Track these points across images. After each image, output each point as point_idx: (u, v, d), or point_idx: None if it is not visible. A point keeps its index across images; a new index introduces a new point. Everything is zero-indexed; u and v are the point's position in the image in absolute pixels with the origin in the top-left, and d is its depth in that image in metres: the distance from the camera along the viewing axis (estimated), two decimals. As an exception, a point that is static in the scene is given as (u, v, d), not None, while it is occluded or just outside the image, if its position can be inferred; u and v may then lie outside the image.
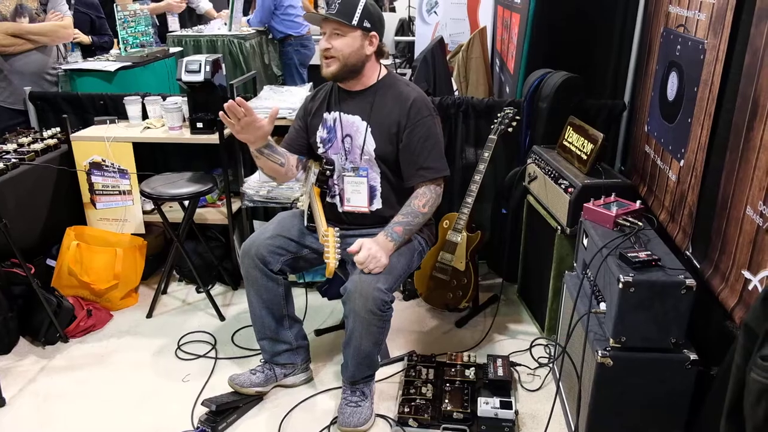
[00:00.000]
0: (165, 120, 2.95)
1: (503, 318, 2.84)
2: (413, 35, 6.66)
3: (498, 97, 3.88)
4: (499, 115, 2.69)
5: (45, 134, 3.04)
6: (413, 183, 2.20)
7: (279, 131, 2.53)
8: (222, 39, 5.01)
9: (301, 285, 2.80)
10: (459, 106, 2.91)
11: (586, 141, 2.43)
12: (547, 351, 2.60)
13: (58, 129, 3.09)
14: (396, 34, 7.53)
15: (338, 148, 2.25)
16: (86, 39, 4.05)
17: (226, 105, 1.98)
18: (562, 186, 2.40)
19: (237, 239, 3.09)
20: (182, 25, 5.49)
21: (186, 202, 2.84)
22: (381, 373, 2.39)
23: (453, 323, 2.82)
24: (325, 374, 2.47)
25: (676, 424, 1.89)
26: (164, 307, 2.98)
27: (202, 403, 2.24)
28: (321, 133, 2.28)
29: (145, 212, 3.05)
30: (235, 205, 3.04)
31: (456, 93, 3.91)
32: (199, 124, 2.88)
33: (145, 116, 3.10)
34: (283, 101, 2.92)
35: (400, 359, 2.52)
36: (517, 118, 2.68)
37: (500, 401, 2.16)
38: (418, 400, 2.22)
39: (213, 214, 3.11)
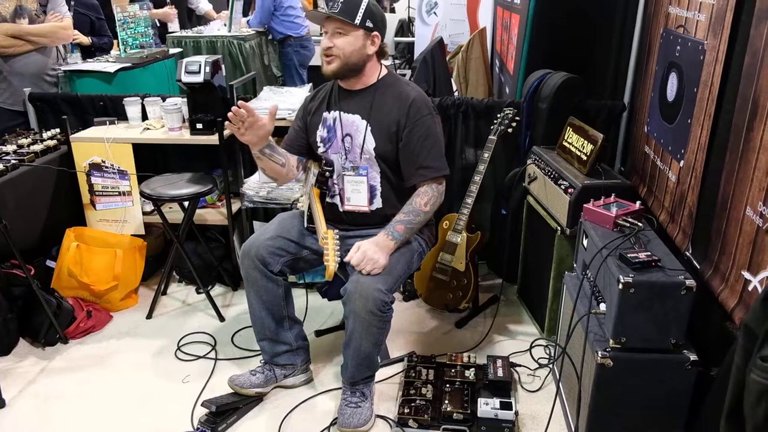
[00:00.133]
0: (165, 121, 2.95)
1: (503, 319, 2.84)
2: (413, 36, 6.67)
3: (498, 97, 3.87)
4: (498, 115, 2.69)
5: (45, 135, 3.04)
6: (413, 182, 2.20)
7: (279, 132, 2.53)
8: (222, 40, 5.01)
9: (301, 286, 2.80)
10: (459, 106, 2.91)
11: (585, 141, 2.43)
12: (547, 352, 2.60)
13: (58, 130, 3.09)
14: (396, 35, 7.53)
15: (338, 148, 2.25)
16: (86, 40, 4.05)
17: (230, 114, 1.99)
18: (562, 187, 2.40)
19: (237, 240, 3.09)
20: (182, 26, 5.50)
21: (186, 203, 2.84)
22: (381, 373, 2.39)
23: (453, 324, 2.82)
24: (325, 375, 2.47)
25: (676, 425, 1.89)
26: (164, 308, 2.98)
27: (202, 404, 2.24)
28: (321, 132, 2.28)
29: (144, 213, 3.05)
30: (235, 206, 3.04)
31: (456, 94, 3.91)
32: (199, 125, 2.88)
33: (144, 117, 3.10)
34: (282, 102, 2.92)
35: (400, 360, 2.52)
36: (517, 118, 2.68)
37: (500, 402, 2.16)
38: (418, 401, 2.22)
39: (213, 215, 3.11)
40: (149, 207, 3.03)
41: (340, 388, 2.28)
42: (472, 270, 2.70)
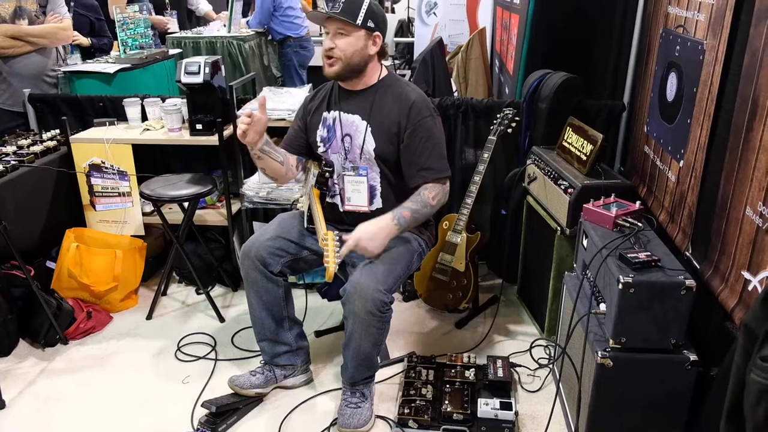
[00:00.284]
0: (164, 122, 2.95)
1: (503, 319, 2.84)
2: (412, 36, 6.67)
3: (497, 97, 3.87)
4: (498, 115, 2.69)
5: (44, 136, 3.05)
6: (415, 183, 2.19)
7: (279, 132, 2.53)
8: (221, 40, 5.01)
9: (301, 286, 2.80)
10: (458, 106, 2.91)
11: (585, 142, 2.43)
12: (547, 352, 2.60)
13: (58, 131, 3.09)
14: (395, 35, 7.53)
15: (338, 148, 2.25)
16: (85, 41, 4.05)
17: (242, 131, 2.03)
18: (562, 187, 2.40)
19: (237, 241, 3.09)
20: (182, 27, 5.50)
21: (185, 204, 2.84)
22: (381, 374, 2.39)
23: (453, 324, 2.82)
24: (325, 375, 2.47)
25: (676, 425, 1.89)
26: (164, 308, 2.98)
27: (202, 405, 2.24)
28: (321, 132, 2.28)
29: (144, 214, 3.04)
30: (235, 207, 3.04)
31: (455, 94, 3.91)
32: (199, 126, 2.88)
33: (144, 118, 3.10)
34: (282, 102, 2.92)
35: (399, 360, 2.52)
36: (517, 118, 2.68)
37: (500, 402, 2.16)
38: (418, 401, 2.22)
39: (213, 216, 3.10)
40: (149, 208, 3.03)
41: (340, 389, 2.28)
42: (471, 270, 2.70)
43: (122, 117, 3.11)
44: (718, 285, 1.79)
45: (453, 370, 2.36)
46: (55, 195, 2.92)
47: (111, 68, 3.58)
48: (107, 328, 2.82)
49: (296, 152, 2.32)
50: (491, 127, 2.67)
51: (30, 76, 3.32)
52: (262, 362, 2.39)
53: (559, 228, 2.44)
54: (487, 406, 2.14)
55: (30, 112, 3.26)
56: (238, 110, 2.91)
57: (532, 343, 2.66)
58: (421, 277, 2.82)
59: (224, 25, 5.32)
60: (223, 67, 2.98)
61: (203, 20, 5.94)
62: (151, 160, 3.16)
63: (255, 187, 2.90)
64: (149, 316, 2.89)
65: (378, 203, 2.25)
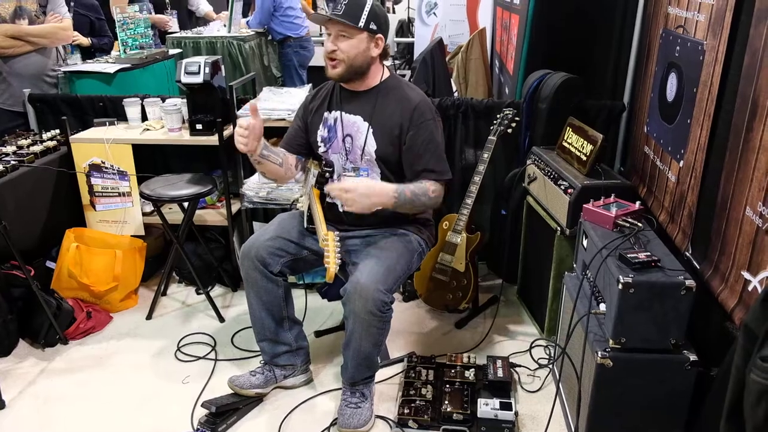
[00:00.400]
0: (164, 122, 2.95)
1: (503, 319, 2.84)
2: (412, 36, 6.67)
3: (497, 98, 3.87)
4: (498, 116, 2.69)
5: (44, 136, 3.05)
6: None
7: (279, 132, 2.53)
8: (221, 40, 5.01)
9: (301, 286, 2.80)
10: (458, 107, 2.91)
11: (585, 142, 2.43)
12: (547, 352, 2.60)
13: (58, 131, 3.09)
14: (395, 36, 7.53)
15: (338, 148, 2.25)
16: (85, 41, 4.05)
17: (243, 132, 2.02)
18: (562, 187, 2.40)
19: (237, 241, 3.09)
20: (182, 27, 5.50)
21: (185, 204, 2.84)
22: (381, 374, 2.39)
23: (453, 324, 2.82)
24: (325, 375, 2.47)
25: (676, 425, 1.89)
26: (164, 308, 2.98)
27: (201, 405, 2.24)
28: (321, 132, 2.27)
29: (144, 214, 3.04)
30: (235, 207, 3.04)
31: (455, 94, 3.91)
32: (199, 126, 2.88)
33: (144, 118, 3.10)
34: (282, 102, 2.92)
35: (399, 360, 2.52)
36: (517, 119, 2.68)
37: (500, 402, 2.16)
38: (417, 402, 2.22)
39: (212, 216, 3.10)
40: (149, 208, 3.03)
41: (340, 389, 2.28)
42: (471, 270, 2.70)
43: (122, 117, 3.11)
44: (718, 285, 1.79)
45: (453, 370, 2.36)
46: (55, 195, 2.92)
47: (111, 68, 3.58)
48: (107, 328, 2.82)
49: (295, 152, 2.32)
50: (491, 128, 2.67)
51: (30, 76, 3.32)
52: (262, 362, 2.39)
53: (559, 228, 2.44)
54: (487, 407, 2.14)
55: (30, 112, 3.26)
56: (238, 110, 2.91)
57: (532, 343, 2.66)
58: (421, 277, 2.82)
59: (224, 25, 5.32)
60: (223, 67, 2.98)
61: (203, 20, 5.94)
62: (151, 160, 3.16)
63: (255, 187, 2.90)
64: (149, 316, 2.89)
65: (378, 203, 2.25)
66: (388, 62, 2.27)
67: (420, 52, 4.00)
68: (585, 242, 2.12)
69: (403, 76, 2.48)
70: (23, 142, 2.92)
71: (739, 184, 1.71)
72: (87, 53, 4.06)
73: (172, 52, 4.45)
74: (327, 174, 2.26)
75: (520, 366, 2.51)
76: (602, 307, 1.92)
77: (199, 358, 2.60)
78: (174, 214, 3.00)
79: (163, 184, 2.78)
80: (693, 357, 1.80)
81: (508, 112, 2.69)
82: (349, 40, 2.08)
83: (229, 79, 3.20)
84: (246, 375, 2.33)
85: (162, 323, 2.86)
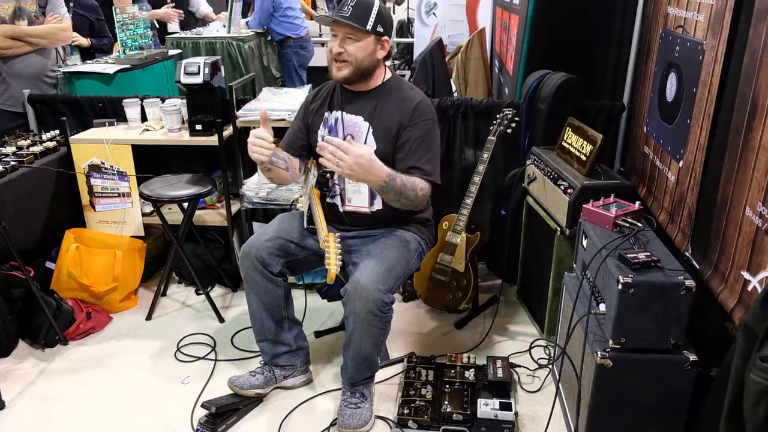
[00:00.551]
0: (164, 122, 2.95)
1: (503, 319, 2.84)
2: (412, 37, 6.67)
3: (497, 98, 3.87)
4: (498, 116, 2.69)
5: (44, 137, 3.05)
6: None
7: (278, 133, 2.53)
8: (221, 41, 5.01)
9: (301, 287, 2.80)
10: (458, 107, 2.91)
11: (585, 142, 2.43)
12: (547, 352, 2.60)
13: (57, 131, 3.09)
14: (395, 36, 7.53)
15: None
16: (85, 42, 4.05)
17: (258, 141, 2.01)
18: (562, 187, 2.40)
19: (236, 241, 3.08)
20: (183, 27, 5.49)
21: (185, 204, 2.84)
22: (381, 374, 2.39)
23: (452, 324, 2.82)
24: (325, 376, 2.47)
25: (676, 425, 1.89)
26: (164, 309, 2.98)
27: (201, 405, 2.24)
28: (322, 132, 2.27)
29: (144, 214, 3.04)
30: (235, 207, 3.04)
31: (455, 94, 3.91)
32: (198, 126, 2.88)
33: (144, 118, 3.10)
34: (282, 103, 2.92)
35: (399, 361, 2.52)
36: (516, 119, 2.68)
37: (500, 402, 2.16)
38: (417, 402, 2.22)
39: (212, 216, 3.11)
40: (149, 208, 3.03)
41: (339, 389, 2.28)
42: (471, 270, 2.70)
43: (122, 117, 3.11)
44: (717, 285, 1.79)
45: (453, 371, 2.36)
46: (54, 196, 2.92)
47: (110, 69, 3.57)
48: (107, 329, 2.82)
49: (297, 154, 2.31)
50: (491, 128, 2.67)
51: (29, 77, 3.32)
52: (262, 363, 2.38)
53: (558, 228, 2.44)
54: (487, 407, 2.14)
55: (29, 112, 3.26)
56: (237, 110, 2.91)
57: (532, 343, 2.65)
58: (421, 278, 2.82)
59: (224, 26, 5.32)
60: (222, 67, 2.98)
61: (202, 21, 5.94)
62: (151, 160, 3.16)
63: (254, 187, 2.90)
64: (149, 317, 2.89)
65: (378, 204, 2.25)
66: (387, 62, 2.27)
67: (419, 52, 4.00)
68: (585, 242, 2.12)
69: (403, 76, 2.47)
70: (23, 142, 2.92)
71: (739, 184, 1.71)
72: (86, 54, 4.06)
73: (171, 52, 4.45)
74: (328, 174, 2.26)
75: (519, 366, 2.51)
76: (602, 307, 1.92)
77: (199, 358, 2.60)
78: (174, 215, 3.00)
79: (163, 185, 2.78)
80: (693, 357, 1.80)
81: (507, 112, 2.69)
82: (357, 43, 2.08)
83: (228, 79, 3.19)
84: (246, 375, 2.33)
85: (162, 324, 2.86)
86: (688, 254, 2.01)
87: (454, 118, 2.93)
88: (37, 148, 2.87)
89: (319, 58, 5.87)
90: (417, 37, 5.41)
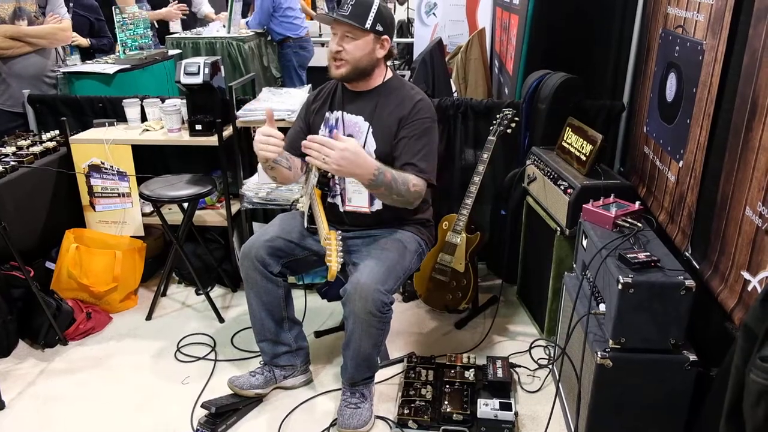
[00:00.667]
0: (164, 122, 2.95)
1: (503, 319, 2.84)
2: (412, 37, 6.67)
3: (497, 98, 3.87)
4: (498, 116, 2.69)
5: (44, 137, 3.05)
6: None
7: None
8: (221, 41, 5.01)
9: (300, 287, 2.80)
10: (458, 107, 2.91)
11: (585, 142, 2.43)
12: (547, 352, 2.60)
13: (57, 132, 3.09)
14: (395, 36, 7.52)
15: None
16: (84, 42, 4.05)
17: (267, 138, 2.00)
18: (561, 187, 2.40)
19: (236, 241, 3.08)
20: (185, 27, 5.48)
21: (185, 204, 2.84)
22: (380, 374, 2.39)
23: (452, 325, 2.82)
24: (325, 376, 2.47)
25: (676, 425, 1.89)
26: (163, 309, 2.98)
27: (201, 405, 2.24)
28: (322, 131, 2.27)
29: (144, 214, 3.04)
30: (235, 207, 3.04)
31: (455, 94, 3.91)
32: (198, 126, 2.88)
33: (144, 119, 3.10)
34: (282, 103, 2.91)
35: (399, 361, 2.52)
36: (516, 119, 2.68)
37: (500, 402, 2.16)
38: (417, 402, 2.22)
39: (212, 216, 3.11)
40: (149, 208, 3.03)
41: (339, 389, 2.28)
42: (471, 271, 2.70)
43: (122, 118, 3.11)
44: (717, 285, 1.79)
45: (453, 371, 2.36)
46: (54, 196, 2.92)
47: (110, 69, 3.58)
48: (107, 329, 2.82)
49: (298, 154, 2.29)
50: (491, 128, 2.67)
51: (29, 77, 3.32)
52: (262, 363, 2.38)
53: (558, 228, 2.44)
54: (487, 407, 2.14)
55: (29, 112, 3.26)
56: (237, 111, 2.91)
57: (532, 343, 2.65)
58: (421, 278, 2.82)
59: (224, 26, 5.32)
60: (222, 67, 2.98)
61: (202, 21, 5.94)
62: (151, 160, 3.16)
63: (254, 187, 2.90)
64: (149, 317, 2.89)
65: (378, 204, 2.25)
66: (388, 62, 2.27)
67: (419, 52, 4.00)
68: (584, 242, 2.12)
69: (403, 76, 2.47)
70: (23, 142, 2.92)
71: (739, 184, 1.71)
72: (86, 54, 4.06)
73: (171, 52, 4.45)
74: (329, 174, 2.26)
75: (519, 366, 2.51)
76: (602, 307, 1.92)
77: (199, 358, 2.60)
78: (174, 215, 3.00)
79: (163, 185, 2.78)
80: (693, 357, 1.80)
81: (507, 112, 2.69)
82: (355, 42, 2.08)
83: (228, 79, 3.19)
84: (246, 375, 2.33)
85: (162, 324, 2.86)
86: (688, 254, 2.01)
87: (454, 118, 2.93)
88: (37, 149, 2.87)
89: (319, 58, 5.87)
90: (417, 37, 5.41)
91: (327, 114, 2.27)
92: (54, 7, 3.35)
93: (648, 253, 1.84)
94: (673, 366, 1.81)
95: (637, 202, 2.12)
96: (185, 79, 2.80)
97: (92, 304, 2.85)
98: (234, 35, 5.08)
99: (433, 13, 5.08)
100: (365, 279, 2.02)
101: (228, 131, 2.92)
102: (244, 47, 5.03)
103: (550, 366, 2.49)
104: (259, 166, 2.64)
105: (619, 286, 1.74)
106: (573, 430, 2.05)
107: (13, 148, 2.85)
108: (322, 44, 6.37)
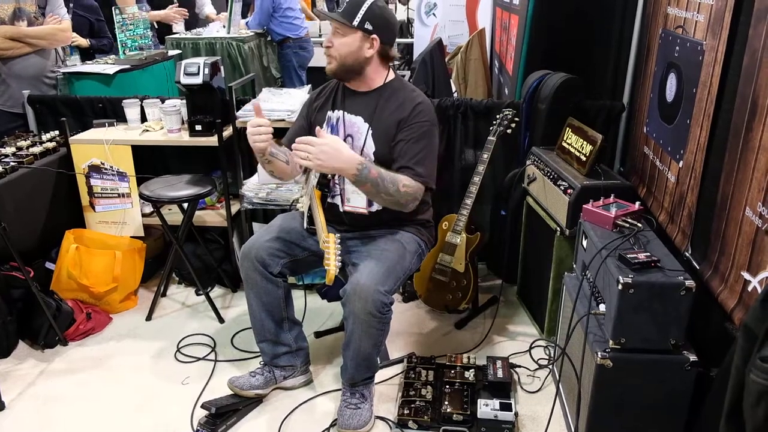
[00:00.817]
0: (164, 123, 2.95)
1: (503, 319, 2.84)
2: (412, 37, 6.67)
3: (497, 98, 3.87)
4: (498, 116, 2.69)
5: (44, 137, 3.05)
6: None
7: (279, 133, 2.52)
8: (221, 41, 5.01)
9: (300, 287, 2.80)
10: (458, 107, 2.91)
11: (585, 142, 2.43)
12: (547, 352, 2.60)
13: (57, 132, 3.09)
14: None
15: None
16: (84, 42, 4.05)
17: (257, 129, 2.04)
18: (561, 187, 2.40)
19: (236, 241, 3.08)
20: (188, 28, 5.48)
21: (185, 205, 2.84)
22: (381, 375, 2.39)
23: (452, 325, 2.82)
24: (325, 376, 2.47)
25: (676, 426, 1.89)
26: (163, 309, 2.98)
27: (201, 406, 2.24)
28: (325, 130, 2.26)
29: (144, 215, 3.04)
30: (234, 208, 3.04)
31: (455, 95, 3.91)
32: (198, 127, 2.88)
33: (143, 119, 3.10)
34: (281, 103, 2.92)
35: (399, 361, 2.52)
36: (516, 119, 2.68)
37: (500, 403, 2.16)
38: (417, 402, 2.22)
39: (212, 217, 3.11)
40: (148, 209, 3.03)
41: (339, 390, 2.28)
42: (471, 271, 2.70)
43: (122, 118, 3.11)
44: (717, 285, 1.79)
45: (453, 371, 2.36)
46: (54, 196, 2.92)
47: (110, 69, 3.57)
48: (107, 330, 2.82)
49: None
50: (491, 128, 2.67)
51: (29, 78, 3.32)
52: (262, 363, 2.38)
53: (558, 228, 2.44)
54: (487, 407, 2.14)
55: (29, 113, 3.26)
56: (237, 111, 2.91)
57: (532, 343, 2.65)
58: (421, 278, 2.82)
59: (223, 26, 5.32)
60: (222, 68, 2.98)
61: (203, 22, 5.94)
62: (151, 161, 3.16)
63: (254, 188, 2.90)
64: (149, 317, 2.89)
65: (377, 205, 2.24)
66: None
67: (419, 52, 4.00)
68: (584, 242, 2.12)
69: (403, 76, 2.46)
70: (22, 143, 2.92)
71: (739, 185, 1.71)
72: (86, 54, 4.06)
73: (171, 53, 4.45)
74: (328, 175, 2.26)
75: (519, 366, 2.51)
76: (602, 307, 1.92)
77: (199, 359, 2.60)
78: (173, 215, 3.00)
79: (163, 185, 2.78)
80: (693, 357, 1.80)
81: (507, 112, 2.69)
82: (342, 38, 2.10)
83: (228, 79, 3.19)
84: (246, 376, 2.33)
85: (162, 324, 2.86)
86: (688, 254, 2.01)
87: (454, 119, 2.93)
88: (36, 149, 2.87)
89: (318, 58, 5.86)
90: (417, 38, 5.41)
91: (329, 113, 2.27)
92: (54, 7, 3.35)
93: (648, 254, 1.84)
94: (673, 366, 1.81)
95: (637, 203, 2.12)
96: (185, 80, 2.80)
97: (92, 304, 2.85)
98: (234, 35, 5.08)
99: (433, 14, 5.08)
100: (365, 279, 2.02)
101: (228, 131, 2.92)
102: (244, 47, 5.03)
103: (550, 366, 2.49)
104: (259, 166, 2.64)
105: (619, 287, 1.74)
106: (573, 430, 2.05)
107: (13, 149, 2.85)
108: (322, 45, 6.37)
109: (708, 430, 1.76)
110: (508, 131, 2.66)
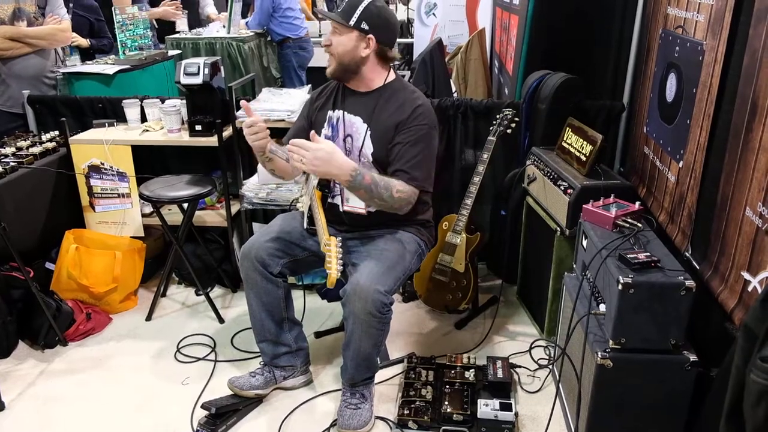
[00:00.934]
0: (164, 123, 2.95)
1: (503, 319, 2.84)
2: (412, 37, 6.67)
3: (497, 98, 3.87)
4: (498, 116, 2.69)
5: (44, 137, 3.05)
6: None
7: (279, 133, 2.53)
8: (220, 41, 5.01)
9: (300, 287, 2.80)
10: (458, 107, 2.91)
11: (585, 142, 2.43)
12: (547, 352, 2.60)
13: (57, 132, 3.09)
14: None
15: (340, 147, 2.23)
16: (84, 42, 4.05)
17: (250, 127, 2.07)
18: (561, 187, 2.40)
19: (236, 241, 3.08)
20: (191, 27, 5.47)
21: (185, 205, 2.84)
22: (381, 375, 2.39)
23: (452, 325, 2.82)
24: (325, 376, 2.47)
25: (676, 426, 1.89)
26: (163, 309, 2.98)
27: (201, 406, 2.24)
28: (326, 131, 2.26)
29: (144, 215, 3.04)
30: (234, 208, 3.04)
31: (455, 95, 3.91)
32: (198, 127, 2.88)
33: (143, 119, 3.10)
34: (281, 103, 2.92)
35: (399, 361, 2.52)
36: (516, 119, 2.68)
37: (500, 403, 2.16)
38: (417, 402, 2.22)
39: (212, 217, 3.11)
40: (148, 209, 3.03)
41: (339, 390, 2.28)
42: (471, 271, 2.70)
43: (121, 118, 3.11)
44: (717, 285, 1.79)
45: (453, 371, 2.36)
46: (54, 196, 2.92)
47: (110, 69, 3.57)
48: (107, 330, 2.82)
49: None
50: (491, 128, 2.67)
51: (29, 78, 3.32)
52: (262, 363, 2.38)
53: (558, 229, 2.44)
54: (487, 407, 2.14)
55: (29, 113, 3.26)
56: (237, 111, 2.91)
57: (532, 343, 2.65)
58: (421, 278, 2.82)
59: (223, 26, 5.32)
60: (222, 68, 2.98)
61: (204, 22, 5.94)
62: (151, 161, 3.16)
63: (254, 188, 2.90)
64: (149, 318, 2.89)
65: (376, 205, 2.24)
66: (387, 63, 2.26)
67: (419, 52, 4.00)
68: (584, 243, 2.12)
69: (403, 76, 2.46)
70: (22, 143, 2.92)
71: (739, 185, 1.71)
72: (86, 55, 4.06)
73: (171, 53, 4.45)
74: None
75: (520, 366, 2.51)
76: (602, 307, 1.92)
77: (199, 359, 2.60)
78: (173, 215, 3.00)
79: (163, 185, 2.78)
80: (693, 357, 1.80)
81: (507, 112, 2.69)
82: (339, 37, 2.11)
83: (228, 80, 3.19)
84: (246, 376, 2.33)
85: (161, 324, 2.86)
86: (688, 254, 2.01)
87: (454, 119, 2.93)
88: (36, 149, 2.87)
89: (318, 58, 5.86)
90: (417, 38, 5.41)
91: (329, 113, 2.27)
92: (53, 7, 3.35)
93: (648, 254, 1.84)
94: (673, 366, 1.81)
95: (637, 203, 2.12)
96: (185, 80, 2.80)
97: (92, 304, 2.85)
98: (234, 35, 5.08)
99: (433, 14, 5.08)
100: (365, 280, 2.02)
101: (228, 132, 2.92)
102: (244, 47, 5.03)
103: (550, 366, 2.49)
104: (259, 166, 2.64)
105: (619, 287, 1.74)
106: (573, 430, 2.05)
107: (13, 149, 2.85)
108: (321, 44, 6.37)
109: (708, 430, 1.76)
110: (508, 131, 2.66)
